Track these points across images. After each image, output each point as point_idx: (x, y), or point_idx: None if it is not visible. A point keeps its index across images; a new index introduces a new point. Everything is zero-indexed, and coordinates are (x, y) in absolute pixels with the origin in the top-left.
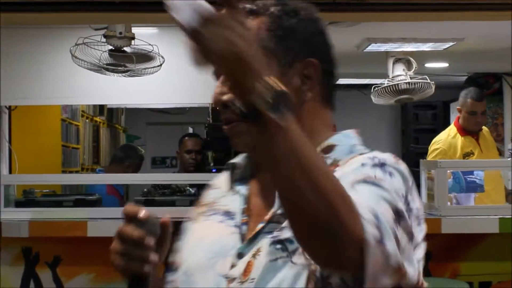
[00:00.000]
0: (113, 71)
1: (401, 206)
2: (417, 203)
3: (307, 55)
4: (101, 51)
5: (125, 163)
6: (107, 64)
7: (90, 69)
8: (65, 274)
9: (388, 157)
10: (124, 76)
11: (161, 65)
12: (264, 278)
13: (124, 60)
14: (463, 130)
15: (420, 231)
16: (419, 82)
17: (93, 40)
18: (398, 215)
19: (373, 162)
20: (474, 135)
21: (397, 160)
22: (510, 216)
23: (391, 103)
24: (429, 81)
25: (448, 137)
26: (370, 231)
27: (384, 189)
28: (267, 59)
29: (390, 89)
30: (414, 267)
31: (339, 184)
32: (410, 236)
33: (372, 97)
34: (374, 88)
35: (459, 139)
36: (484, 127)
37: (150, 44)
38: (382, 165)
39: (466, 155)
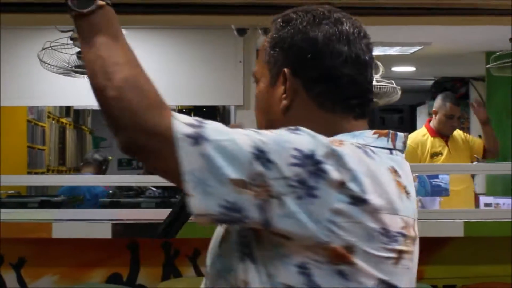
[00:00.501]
0: (82, 73)
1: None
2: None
3: (287, 64)
4: (69, 54)
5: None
6: (76, 67)
7: (60, 73)
8: (30, 275)
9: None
10: None
11: None
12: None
13: None
14: (434, 132)
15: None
16: (385, 86)
17: (59, 43)
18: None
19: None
20: (443, 137)
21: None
22: (475, 220)
23: None
24: (395, 85)
25: (417, 136)
26: (181, 130)
27: (262, 135)
28: (264, 70)
29: None
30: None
31: (138, 76)
32: (255, 178)
33: None
34: None
35: (429, 139)
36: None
37: None
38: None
39: (435, 154)
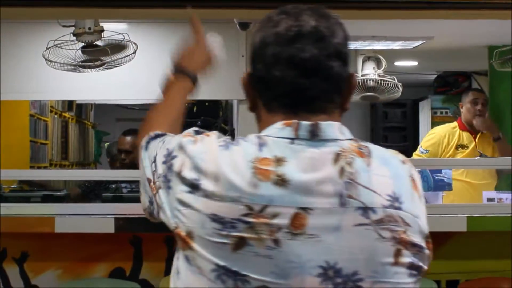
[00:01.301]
0: (89, 67)
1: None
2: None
3: (249, 67)
4: (74, 50)
5: None
6: (82, 62)
7: (67, 70)
8: (33, 270)
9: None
10: (102, 69)
11: (135, 51)
12: None
13: (99, 54)
14: (464, 126)
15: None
16: (387, 82)
17: (63, 40)
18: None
19: None
20: (473, 133)
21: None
22: (478, 215)
23: (356, 99)
24: (397, 82)
25: (447, 127)
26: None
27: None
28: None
29: (357, 85)
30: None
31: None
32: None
33: None
34: None
35: (457, 131)
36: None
37: (120, 33)
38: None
39: (460, 147)
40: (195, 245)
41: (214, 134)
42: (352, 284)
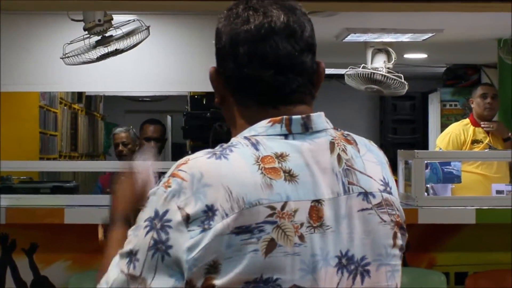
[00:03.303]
0: (108, 56)
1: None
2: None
3: (216, 63)
4: (90, 46)
5: None
6: (101, 56)
7: (85, 63)
8: (42, 261)
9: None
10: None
11: (148, 27)
12: None
13: (115, 42)
14: (476, 122)
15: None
16: (394, 80)
17: (76, 39)
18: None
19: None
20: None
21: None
22: (486, 207)
23: (361, 89)
24: (403, 81)
25: (460, 124)
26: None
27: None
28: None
29: (363, 76)
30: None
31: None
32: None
33: (346, 77)
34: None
35: (471, 128)
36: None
37: (129, 20)
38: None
39: (475, 142)
40: (220, 277)
41: (194, 159)
42: (361, 269)
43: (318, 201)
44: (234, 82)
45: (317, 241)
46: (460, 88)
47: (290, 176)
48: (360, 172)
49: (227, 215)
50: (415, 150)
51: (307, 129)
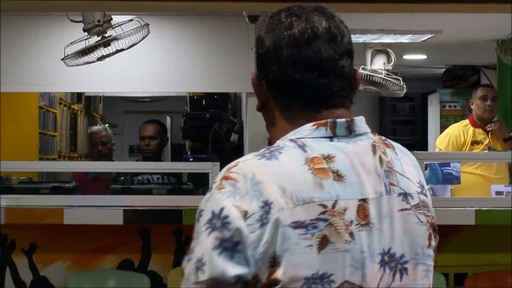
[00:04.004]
0: (109, 56)
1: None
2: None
3: (256, 68)
4: (91, 47)
5: None
6: (102, 57)
7: (86, 64)
8: (41, 261)
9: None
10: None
11: (148, 24)
12: None
13: (115, 42)
14: (476, 123)
15: None
16: (393, 83)
17: (77, 40)
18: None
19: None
20: (485, 129)
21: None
22: (486, 208)
23: (360, 89)
24: (402, 84)
25: (460, 126)
26: None
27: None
28: None
29: (362, 77)
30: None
31: None
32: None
33: None
34: None
35: (470, 129)
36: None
37: (129, 19)
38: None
39: (475, 143)
40: (282, 271)
41: (244, 161)
42: (400, 266)
43: (364, 200)
44: (278, 86)
45: (365, 238)
46: (460, 89)
47: (338, 176)
48: (400, 174)
49: (283, 208)
50: (415, 151)
51: (350, 132)
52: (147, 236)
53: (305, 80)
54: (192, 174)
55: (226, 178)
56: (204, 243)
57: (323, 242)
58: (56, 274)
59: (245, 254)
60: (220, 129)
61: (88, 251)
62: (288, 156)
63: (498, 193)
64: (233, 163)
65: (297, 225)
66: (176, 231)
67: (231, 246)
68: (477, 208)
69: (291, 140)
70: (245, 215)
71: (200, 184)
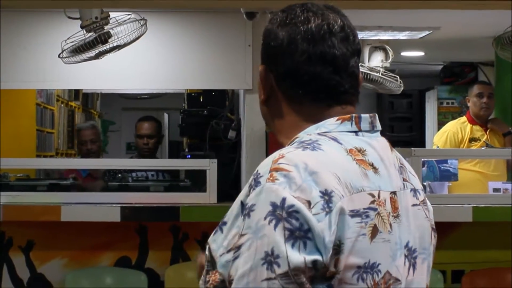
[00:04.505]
0: (107, 53)
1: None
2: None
3: (264, 61)
4: (89, 44)
5: None
6: (100, 53)
7: (84, 61)
8: (39, 258)
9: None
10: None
11: (145, 20)
12: None
13: (113, 39)
14: (473, 120)
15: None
16: (390, 81)
17: (75, 38)
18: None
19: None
20: (483, 126)
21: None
22: (483, 205)
23: None
24: (399, 82)
25: (457, 122)
26: None
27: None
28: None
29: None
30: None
31: None
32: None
33: None
34: None
35: (468, 126)
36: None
37: (126, 15)
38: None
39: (473, 140)
40: (342, 259)
41: (289, 153)
42: (413, 261)
43: (394, 193)
44: (290, 79)
45: (396, 230)
46: (457, 86)
47: (374, 168)
48: (409, 170)
49: (343, 196)
50: (412, 148)
51: (373, 127)
52: (145, 233)
53: (320, 74)
54: (190, 171)
55: (276, 169)
56: (270, 236)
57: (374, 232)
58: (53, 271)
59: (315, 242)
60: (218, 126)
61: (85, 248)
62: (329, 147)
63: (495, 190)
64: (276, 155)
65: (353, 213)
66: (174, 228)
67: (303, 234)
68: (475, 205)
69: (319, 134)
70: (309, 205)
71: (198, 181)
